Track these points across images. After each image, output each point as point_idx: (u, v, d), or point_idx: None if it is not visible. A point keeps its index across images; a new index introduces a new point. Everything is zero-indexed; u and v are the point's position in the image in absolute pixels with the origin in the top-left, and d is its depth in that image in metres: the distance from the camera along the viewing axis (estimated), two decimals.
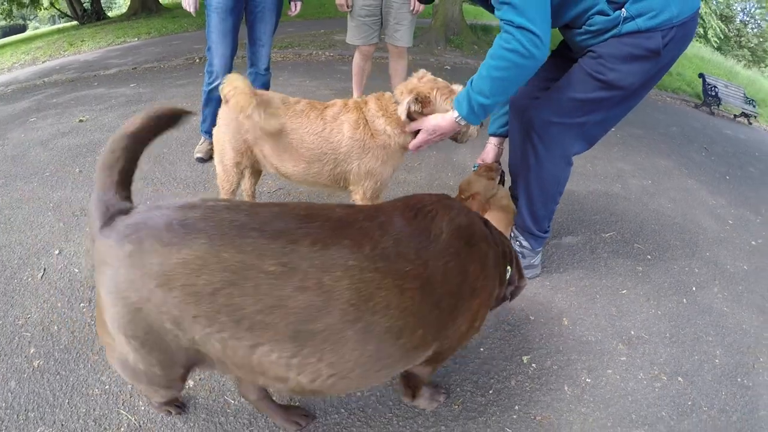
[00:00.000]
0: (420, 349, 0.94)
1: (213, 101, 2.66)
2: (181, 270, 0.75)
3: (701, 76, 9.38)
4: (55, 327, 1.58)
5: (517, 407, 1.44)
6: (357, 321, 0.80)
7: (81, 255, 1.92)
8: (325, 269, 0.78)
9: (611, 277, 2.18)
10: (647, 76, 1.52)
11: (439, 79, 1.65)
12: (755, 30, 25.96)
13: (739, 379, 1.75)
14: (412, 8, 3.01)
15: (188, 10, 2.45)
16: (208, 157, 2.79)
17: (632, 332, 1.86)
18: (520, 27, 1.28)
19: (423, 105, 1.58)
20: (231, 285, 0.75)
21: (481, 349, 1.64)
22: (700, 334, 1.93)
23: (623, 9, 1.40)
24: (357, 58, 3.30)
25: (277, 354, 0.80)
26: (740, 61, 20.58)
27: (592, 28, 1.46)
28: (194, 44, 6.96)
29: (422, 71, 1.68)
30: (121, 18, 12.82)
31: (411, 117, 1.61)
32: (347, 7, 2.99)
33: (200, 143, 2.86)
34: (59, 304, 1.67)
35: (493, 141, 1.98)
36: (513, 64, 1.32)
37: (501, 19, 1.34)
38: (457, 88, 1.61)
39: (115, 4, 25.95)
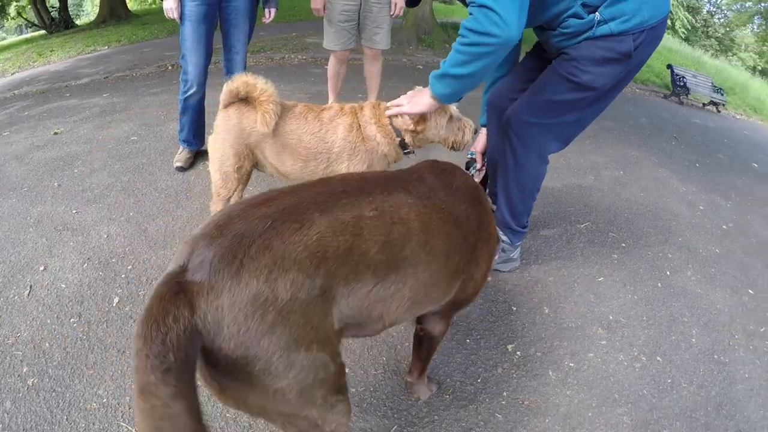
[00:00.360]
0: (457, 276, 1.11)
1: (190, 109, 2.65)
2: (323, 242, 0.81)
3: (669, 66, 9.63)
4: (47, 344, 1.57)
5: (505, 393, 1.51)
6: (426, 244, 0.98)
7: (66, 270, 1.91)
8: (399, 207, 0.96)
9: (588, 265, 2.26)
10: (618, 78, 1.59)
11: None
12: (722, 20, 26.79)
13: (715, 356, 1.85)
14: (392, 11, 3.04)
15: (172, 16, 2.43)
16: (188, 166, 2.78)
17: (611, 317, 1.95)
18: (481, 6, 1.30)
19: (419, 123, 1.71)
20: (356, 237, 0.86)
21: (468, 341, 1.70)
22: (676, 315, 2.03)
23: (597, 13, 1.45)
24: (332, 63, 3.31)
25: (384, 289, 0.91)
26: (707, 50, 21.15)
27: (566, 31, 1.52)
28: (165, 51, 6.87)
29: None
30: (90, 26, 12.50)
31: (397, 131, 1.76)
32: (323, 11, 3.00)
33: (179, 152, 2.83)
34: (49, 321, 1.66)
35: (484, 131, 2.05)
36: (472, 41, 1.33)
37: (469, 4, 1.36)
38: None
39: (83, 11, 25.25)
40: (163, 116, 3.68)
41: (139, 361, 0.65)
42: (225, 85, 1.70)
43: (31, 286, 1.82)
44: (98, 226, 2.20)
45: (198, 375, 0.77)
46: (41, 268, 1.92)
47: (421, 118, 1.67)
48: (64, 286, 1.83)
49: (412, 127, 1.69)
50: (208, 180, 2.61)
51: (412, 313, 1.04)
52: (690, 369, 1.75)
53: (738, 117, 10.53)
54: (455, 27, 9.69)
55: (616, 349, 1.77)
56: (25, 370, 1.47)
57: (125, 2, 13.42)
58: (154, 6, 18.26)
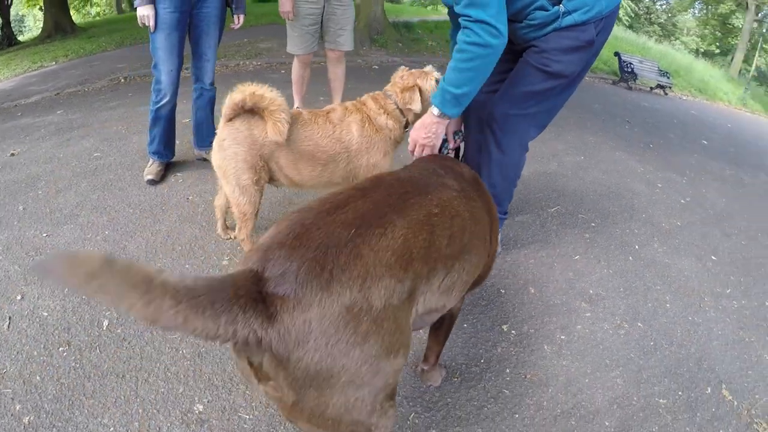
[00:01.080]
0: (486, 255, 1.19)
1: (161, 120, 2.58)
2: (407, 244, 0.83)
3: (617, 54, 10.11)
4: (38, 377, 1.45)
5: (508, 370, 1.59)
6: (474, 231, 1.06)
7: (46, 297, 1.80)
8: (450, 200, 1.02)
9: (563, 246, 2.39)
10: (584, 63, 1.72)
11: (414, 69, 1.88)
12: (664, 6, 28.33)
13: (690, 318, 2.01)
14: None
15: (148, 24, 2.34)
16: (159, 179, 2.70)
17: (591, 291, 2.07)
18: (477, 21, 1.40)
19: (412, 93, 1.80)
20: (431, 234, 0.90)
21: (465, 325, 1.77)
22: (650, 284, 2.18)
23: (561, 5, 1.57)
24: (296, 67, 3.30)
25: (450, 279, 0.95)
26: (651, 36, 22.30)
27: (533, 22, 1.62)
28: (116, 63, 6.62)
29: (402, 69, 1.88)
30: (35, 41, 11.76)
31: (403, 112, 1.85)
32: (292, 15, 2.97)
33: (149, 165, 2.75)
34: (35, 353, 1.54)
35: None
36: (475, 55, 1.45)
37: (460, 15, 1.46)
38: (428, 68, 1.84)
39: (25, 27, 23.72)
40: (123, 130, 3.55)
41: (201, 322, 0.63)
42: (228, 98, 1.65)
43: (10, 318, 1.70)
44: (74, 248, 2.10)
45: (265, 389, 0.75)
46: (18, 297, 1.79)
47: (414, 91, 1.78)
48: (46, 314, 1.72)
49: (410, 105, 1.80)
50: (183, 192, 2.59)
51: (461, 295, 1.09)
52: (669, 331, 1.90)
53: (684, 98, 11.22)
54: (407, 26, 9.83)
55: (600, 320, 1.89)
56: (18, 408, 1.36)
57: (70, 16, 12.73)
58: (98, 18, 17.50)
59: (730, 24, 24.71)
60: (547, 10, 1.58)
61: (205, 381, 1.46)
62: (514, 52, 1.81)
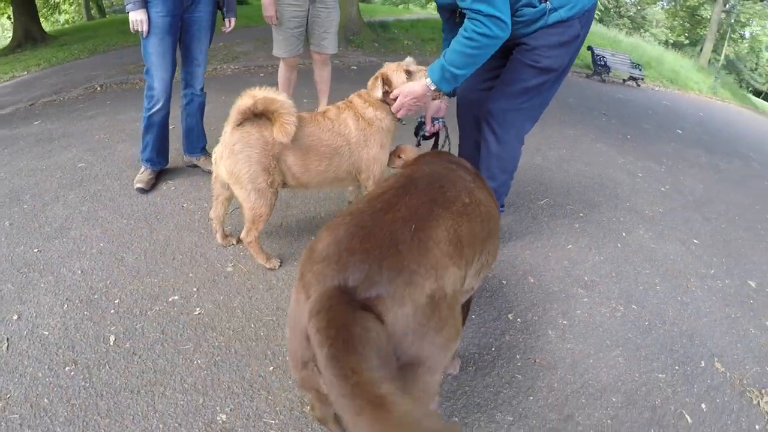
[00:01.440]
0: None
1: (155, 126, 2.54)
2: (457, 233, 0.90)
3: (590, 48, 10.33)
4: (46, 400, 1.39)
5: (518, 356, 1.65)
6: (494, 215, 1.15)
7: (45, 315, 1.73)
8: (472, 190, 1.11)
9: (555, 236, 2.48)
10: (571, 56, 1.82)
11: (394, 63, 1.93)
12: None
13: (679, 298, 2.12)
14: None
15: (139, 29, 2.29)
16: (150, 188, 2.66)
17: (586, 278, 2.15)
18: (489, 15, 1.53)
19: (387, 84, 1.86)
20: (470, 222, 0.98)
21: (473, 317, 1.82)
22: (639, 269, 2.28)
23: (548, 2, 1.66)
24: (283, 70, 3.30)
25: (480, 263, 1.02)
26: (622, 29, 22.79)
27: (521, 19, 1.70)
28: (91, 71, 6.46)
29: (386, 64, 1.94)
30: (5, 51, 11.29)
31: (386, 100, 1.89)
32: (275, 19, 2.99)
33: (140, 173, 2.69)
34: (40, 374, 1.47)
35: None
36: (483, 44, 1.59)
37: (468, 9, 1.56)
38: (406, 60, 1.91)
39: None
40: (106, 139, 3.48)
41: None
42: (237, 104, 1.67)
43: (8, 339, 1.62)
44: (68, 262, 2.03)
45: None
46: (15, 318, 1.72)
47: (389, 82, 1.85)
48: (46, 332, 1.65)
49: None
50: (177, 200, 2.57)
51: (485, 276, 1.18)
52: (661, 311, 2.00)
53: (656, 89, 11.53)
54: (382, 26, 9.85)
55: (597, 304, 1.98)
56: None
57: (40, 24, 12.22)
58: (67, 26, 16.94)
59: (698, 15, 25.49)
60: (535, 7, 1.66)
61: (225, 389, 1.45)
62: (504, 48, 1.88)
